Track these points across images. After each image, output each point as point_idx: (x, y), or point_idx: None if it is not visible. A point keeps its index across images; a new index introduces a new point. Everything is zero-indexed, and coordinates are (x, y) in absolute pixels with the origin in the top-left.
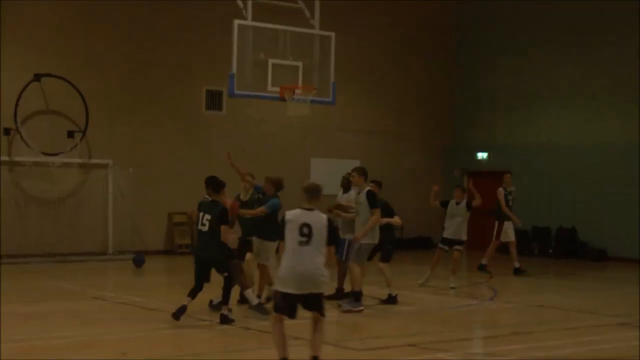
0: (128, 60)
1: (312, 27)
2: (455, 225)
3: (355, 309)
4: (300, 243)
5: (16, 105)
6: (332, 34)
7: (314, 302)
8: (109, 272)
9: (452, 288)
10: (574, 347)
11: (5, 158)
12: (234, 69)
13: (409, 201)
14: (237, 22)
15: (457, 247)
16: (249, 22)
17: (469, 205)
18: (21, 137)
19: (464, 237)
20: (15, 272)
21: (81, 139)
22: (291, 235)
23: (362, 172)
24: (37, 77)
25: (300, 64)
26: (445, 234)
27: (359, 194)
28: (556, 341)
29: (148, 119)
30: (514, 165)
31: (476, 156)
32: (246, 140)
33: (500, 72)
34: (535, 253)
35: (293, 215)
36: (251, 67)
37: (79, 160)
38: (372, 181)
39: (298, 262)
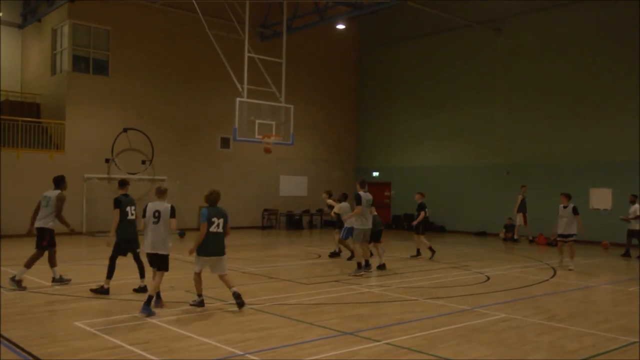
0: (176, 120)
1: (280, 102)
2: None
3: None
4: None
5: (113, 145)
6: (291, 106)
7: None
8: None
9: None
10: (427, 281)
11: (106, 175)
12: (237, 125)
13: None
14: (238, 99)
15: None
16: (245, 99)
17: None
18: (115, 164)
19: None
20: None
21: (149, 165)
22: None
23: (361, 182)
24: (125, 130)
25: (273, 122)
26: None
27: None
28: (418, 277)
29: (187, 153)
30: (393, 180)
31: (372, 174)
32: (243, 166)
33: (385, 123)
34: (406, 228)
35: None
36: (246, 124)
37: (148, 177)
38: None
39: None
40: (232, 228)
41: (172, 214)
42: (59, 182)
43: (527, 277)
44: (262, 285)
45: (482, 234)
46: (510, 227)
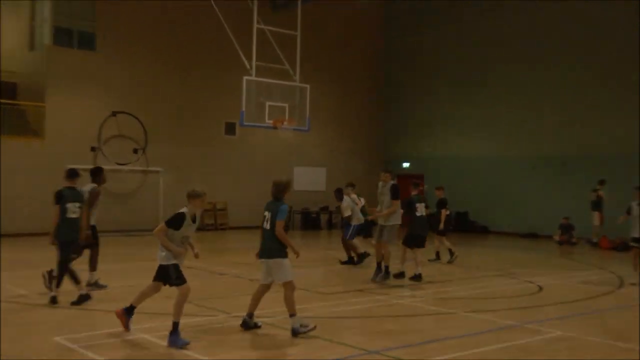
0: (173, 102)
1: (294, 81)
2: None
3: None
4: None
5: (100, 131)
6: (307, 86)
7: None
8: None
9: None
10: (467, 291)
11: (92, 166)
12: (244, 108)
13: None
14: (245, 77)
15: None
16: (253, 78)
17: None
18: (102, 153)
19: None
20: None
21: (142, 154)
22: None
23: (387, 171)
24: (114, 113)
25: (286, 105)
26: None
27: (384, 187)
28: (456, 287)
29: (186, 141)
30: (425, 171)
31: (402, 164)
32: (251, 156)
33: (416, 108)
34: (438, 234)
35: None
36: (254, 107)
37: (141, 168)
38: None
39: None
40: (238, 228)
41: (166, 220)
42: (95, 174)
43: (588, 287)
44: (273, 295)
45: (533, 235)
46: (566, 228)
